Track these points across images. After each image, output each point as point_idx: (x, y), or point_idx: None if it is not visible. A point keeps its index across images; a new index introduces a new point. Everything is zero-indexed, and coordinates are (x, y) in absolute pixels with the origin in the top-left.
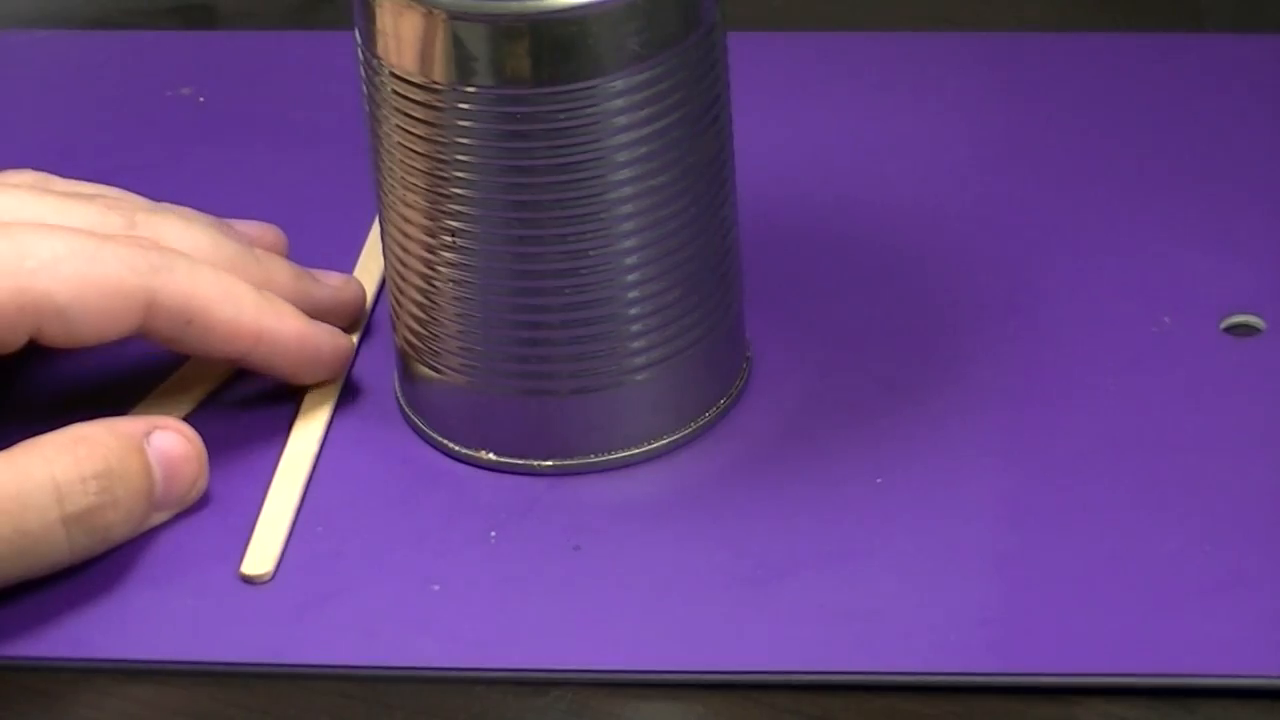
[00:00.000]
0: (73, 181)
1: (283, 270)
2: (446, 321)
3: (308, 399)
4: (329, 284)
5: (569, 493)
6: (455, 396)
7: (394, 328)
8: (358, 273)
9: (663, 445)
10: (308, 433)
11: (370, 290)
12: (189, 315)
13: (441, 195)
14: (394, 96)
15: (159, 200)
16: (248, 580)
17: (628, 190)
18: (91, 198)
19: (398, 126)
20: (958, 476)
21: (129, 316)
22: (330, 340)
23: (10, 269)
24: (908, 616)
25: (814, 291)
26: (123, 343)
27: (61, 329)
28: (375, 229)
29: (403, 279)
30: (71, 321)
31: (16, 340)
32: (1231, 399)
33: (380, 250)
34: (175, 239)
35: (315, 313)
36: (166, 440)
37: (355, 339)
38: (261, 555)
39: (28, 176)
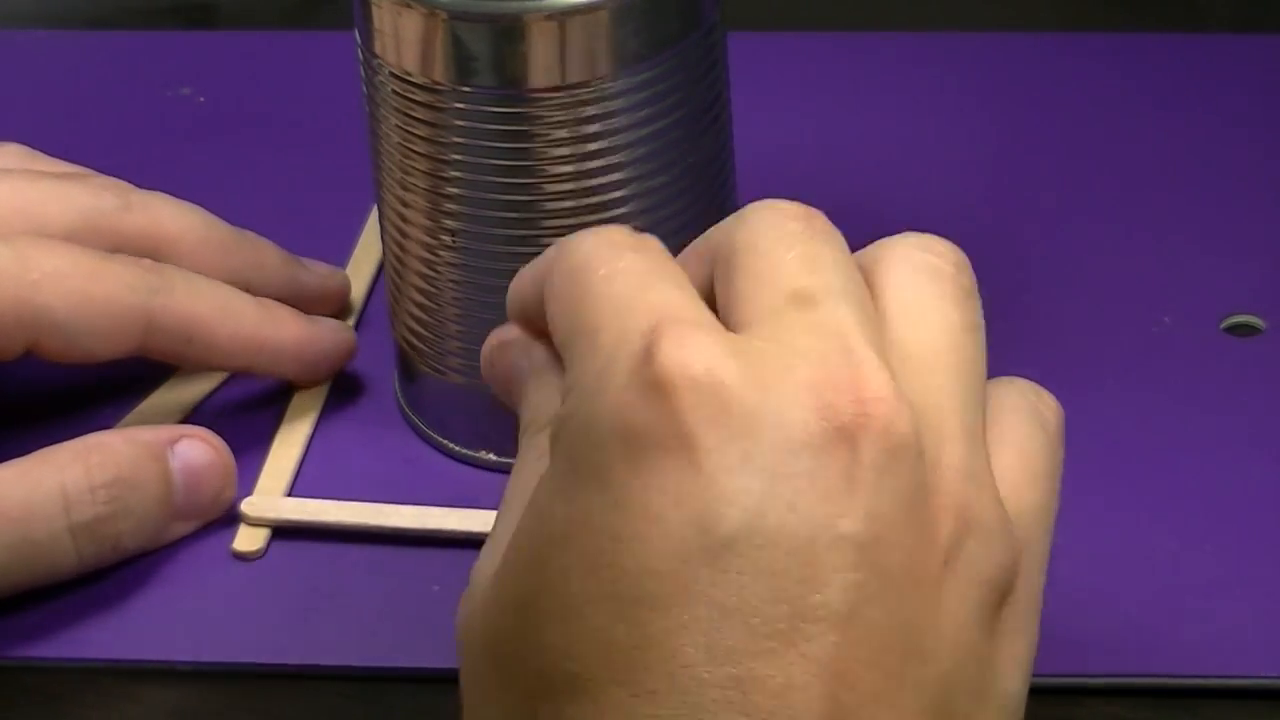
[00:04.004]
0: (58, 162)
1: (272, 254)
2: (446, 321)
3: (299, 394)
4: (317, 272)
5: None
6: (455, 396)
7: (393, 327)
8: (350, 269)
9: None
10: (299, 415)
11: (364, 285)
12: (189, 334)
13: (441, 195)
14: (394, 96)
15: None
16: (240, 557)
17: (628, 190)
18: (84, 178)
19: (398, 126)
20: None
21: (127, 336)
22: (332, 336)
23: (13, 279)
24: None
25: None
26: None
27: (59, 343)
28: (368, 225)
29: (402, 278)
30: (70, 337)
31: (13, 351)
32: (1231, 399)
33: (372, 246)
34: (169, 219)
35: (303, 299)
36: (192, 449)
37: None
38: (253, 532)
39: (12, 155)
